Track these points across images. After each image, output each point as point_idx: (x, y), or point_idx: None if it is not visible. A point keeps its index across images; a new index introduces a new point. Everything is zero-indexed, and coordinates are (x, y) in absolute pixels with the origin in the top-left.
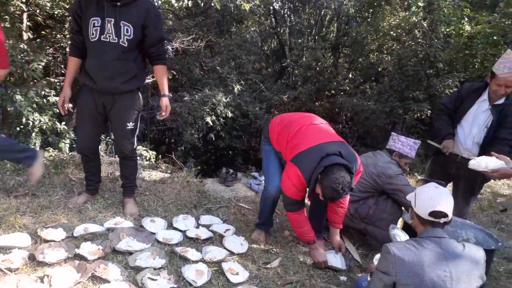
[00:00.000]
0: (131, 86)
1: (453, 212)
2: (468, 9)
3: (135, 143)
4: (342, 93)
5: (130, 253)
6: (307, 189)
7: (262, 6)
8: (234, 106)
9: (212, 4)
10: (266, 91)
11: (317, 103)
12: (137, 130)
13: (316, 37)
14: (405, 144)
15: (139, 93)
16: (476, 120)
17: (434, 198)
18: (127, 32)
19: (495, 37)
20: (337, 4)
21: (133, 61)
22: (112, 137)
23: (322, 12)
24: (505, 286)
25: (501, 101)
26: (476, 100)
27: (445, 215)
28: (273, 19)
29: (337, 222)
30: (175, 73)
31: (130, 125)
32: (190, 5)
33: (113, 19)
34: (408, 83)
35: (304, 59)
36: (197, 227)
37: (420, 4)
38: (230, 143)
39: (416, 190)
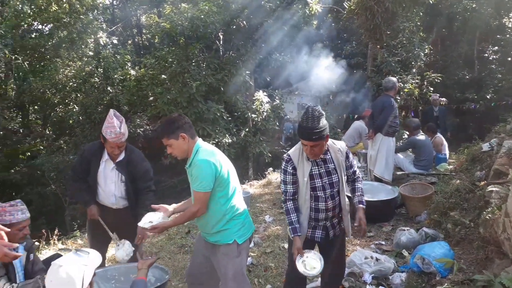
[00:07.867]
0: None
1: None
2: (128, 56)
3: None
4: (44, 152)
5: None
6: None
7: None
8: None
9: None
10: None
11: (12, 171)
12: None
13: None
14: None
15: None
16: (109, 178)
17: (53, 281)
18: None
19: (163, 76)
20: (7, 60)
21: None
22: None
23: None
24: None
25: (121, 157)
26: (100, 160)
27: None
28: None
29: None
30: None
31: None
32: None
33: None
34: (100, 131)
35: None
36: None
37: (90, 53)
38: None
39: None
